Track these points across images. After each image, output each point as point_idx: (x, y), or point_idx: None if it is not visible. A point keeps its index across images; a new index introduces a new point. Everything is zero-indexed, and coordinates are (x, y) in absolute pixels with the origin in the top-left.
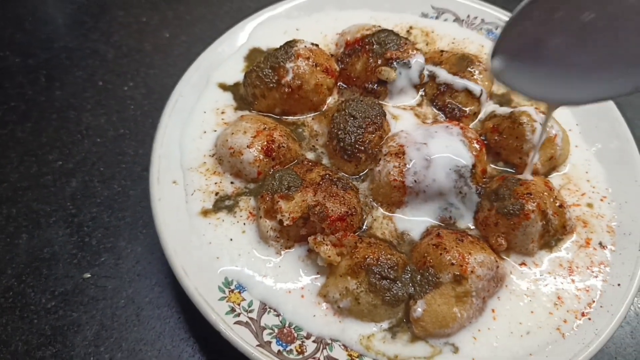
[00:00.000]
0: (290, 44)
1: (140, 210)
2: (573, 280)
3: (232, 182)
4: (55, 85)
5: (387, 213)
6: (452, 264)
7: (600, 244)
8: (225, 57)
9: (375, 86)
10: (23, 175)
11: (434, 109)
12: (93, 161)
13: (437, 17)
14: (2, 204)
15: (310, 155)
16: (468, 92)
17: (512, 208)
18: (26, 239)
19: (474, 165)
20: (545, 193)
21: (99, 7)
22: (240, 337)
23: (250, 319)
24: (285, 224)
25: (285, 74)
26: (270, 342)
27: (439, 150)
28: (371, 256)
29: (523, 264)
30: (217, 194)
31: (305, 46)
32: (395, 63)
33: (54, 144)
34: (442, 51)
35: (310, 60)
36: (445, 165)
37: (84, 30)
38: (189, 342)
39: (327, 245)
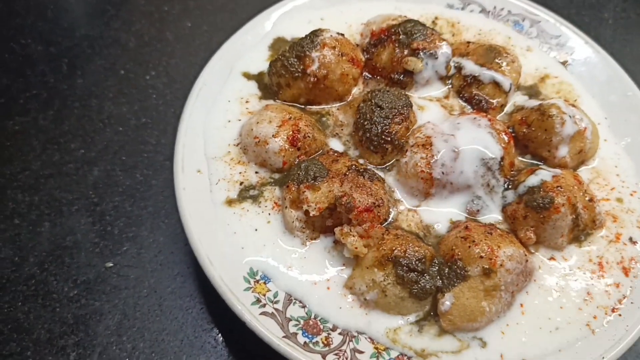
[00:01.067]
0: (316, 33)
1: (162, 200)
2: (603, 276)
3: (256, 172)
4: (77, 73)
5: (411, 205)
6: (481, 257)
7: (630, 239)
8: (249, 46)
9: (401, 77)
10: (45, 164)
11: (461, 101)
12: (115, 150)
13: (462, 9)
14: (25, 191)
15: (334, 143)
16: (495, 83)
17: (542, 201)
18: (48, 227)
19: (502, 158)
20: (575, 187)
21: None
22: (266, 328)
23: (276, 310)
24: (311, 215)
25: (310, 63)
26: (296, 334)
27: (466, 142)
28: (398, 248)
29: (552, 258)
30: (241, 183)
31: (331, 35)
32: (421, 53)
33: (76, 133)
34: (468, 42)
35: (336, 49)
36: (473, 157)
37: (105, 19)
38: (211, 333)
39: (354, 236)
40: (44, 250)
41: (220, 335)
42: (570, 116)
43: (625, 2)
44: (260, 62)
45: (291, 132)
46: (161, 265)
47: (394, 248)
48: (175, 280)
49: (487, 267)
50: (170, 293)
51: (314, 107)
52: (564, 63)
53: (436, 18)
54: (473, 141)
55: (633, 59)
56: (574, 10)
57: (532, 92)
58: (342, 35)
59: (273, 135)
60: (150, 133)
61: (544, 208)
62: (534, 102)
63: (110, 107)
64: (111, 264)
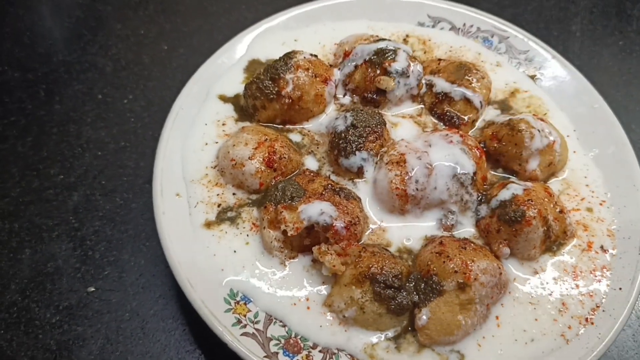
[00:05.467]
0: (290, 55)
1: (142, 223)
2: (577, 285)
3: (234, 194)
4: (54, 99)
5: (387, 222)
6: (456, 271)
7: (601, 247)
8: (225, 69)
9: (374, 95)
10: (25, 190)
11: (433, 118)
12: (94, 174)
13: (433, 26)
14: (5, 219)
15: (310, 161)
16: (466, 100)
17: (513, 215)
18: (29, 253)
19: (474, 173)
20: (545, 199)
21: (97, 21)
22: (247, 349)
23: (257, 330)
24: (289, 234)
25: (285, 85)
26: (277, 353)
27: (439, 158)
28: (375, 265)
29: (527, 269)
30: (219, 205)
31: (305, 57)
32: (393, 72)
33: (55, 158)
34: (439, 60)
35: (310, 71)
36: (446, 173)
37: (82, 44)
38: (194, 354)
39: (331, 254)
40: (25, 277)
41: (203, 356)
42: (539, 130)
43: (592, 14)
44: (236, 85)
45: (267, 154)
46: (143, 288)
47: (370, 265)
48: (158, 302)
49: (461, 281)
50: (153, 315)
51: (291, 127)
52: (532, 77)
53: (407, 36)
54: (446, 157)
55: (600, 70)
56: (542, 25)
57: (503, 106)
58: (315, 56)
59: (249, 158)
60: (129, 156)
61: (516, 221)
62: (504, 117)
63: (88, 131)
64: (93, 289)
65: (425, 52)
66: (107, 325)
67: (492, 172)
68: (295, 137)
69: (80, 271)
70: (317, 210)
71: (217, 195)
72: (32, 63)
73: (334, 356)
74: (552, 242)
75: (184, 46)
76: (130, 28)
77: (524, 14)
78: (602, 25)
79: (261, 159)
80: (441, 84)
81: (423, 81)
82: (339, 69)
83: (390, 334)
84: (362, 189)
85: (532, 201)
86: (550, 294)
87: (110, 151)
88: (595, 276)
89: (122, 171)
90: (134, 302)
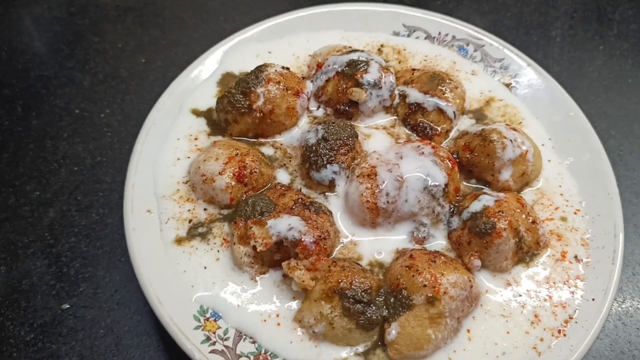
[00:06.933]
0: (261, 68)
1: (118, 239)
2: (550, 297)
3: (205, 209)
4: (31, 114)
5: (358, 236)
6: (425, 285)
7: (575, 257)
8: (198, 82)
9: (347, 107)
10: (0, 207)
11: (406, 129)
12: (70, 190)
13: (408, 35)
14: None
15: (282, 174)
16: (439, 110)
17: (484, 227)
18: (4, 271)
19: (446, 184)
20: (517, 210)
21: (75, 35)
22: None
23: (226, 347)
24: (258, 250)
25: (256, 99)
26: None
27: (410, 170)
28: (344, 280)
29: (500, 281)
30: (190, 221)
31: (276, 70)
32: (365, 84)
33: (31, 174)
34: (413, 70)
35: (281, 84)
36: (417, 186)
37: (59, 59)
38: None
39: (300, 269)
40: (0, 295)
41: None
42: (511, 140)
43: (573, 19)
44: (208, 99)
45: (237, 169)
46: (117, 305)
47: (340, 280)
48: (132, 318)
49: (430, 295)
50: (127, 332)
51: (264, 140)
52: (508, 85)
53: (382, 46)
54: (417, 169)
55: (580, 75)
56: (522, 30)
57: (478, 115)
58: (287, 69)
59: (219, 173)
60: (105, 171)
61: (486, 233)
62: (477, 128)
63: (65, 147)
64: (67, 306)
65: (400, 62)
66: (81, 343)
67: (465, 183)
68: (268, 150)
69: (55, 288)
70: (285, 225)
71: (189, 210)
72: (10, 78)
73: None
74: (525, 253)
75: (162, 59)
76: (108, 41)
77: (503, 20)
78: (582, 30)
79: (232, 174)
80: (414, 95)
81: (396, 92)
82: (312, 81)
83: (360, 349)
84: (334, 202)
85: (503, 212)
86: (523, 306)
87: (86, 166)
88: (569, 287)
89: (98, 186)
90: (109, 319)
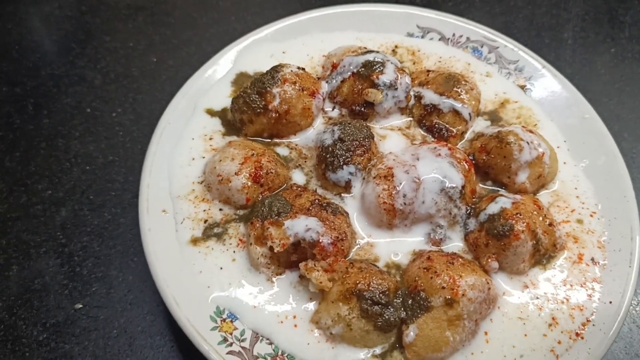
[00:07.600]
0: (277, 68)
1: (131, 238)
2: (567, 299)
3: (220, 209)
4: (43, 113)
5: (375, 237)
6: (443, 287)
7: (592, 259)
8: (212, 82)
9: (362, 108)
10: (12, 206)
11: (422, 130)
12: (82, 189)
13: (422, 37)
14: None
15: (297, 175)
16: (455, 112)
17: (502, 229)
18: (16, 270)
19: (463, 186)
20: (534, 212)
21: (86, 34)
22: None
23: (243, 348)
24: (276, 251)
25: (272, 99)
26: None
27: (427, 171)
28: (362, 281)
29: (517, 283)
30: (206, 221)
31: (292, 70)
32: (381, 85)
33: (43, 173)
34: (428, 71)
35: (297, 84)
36: (434, 187)
37: (70, 57)
38: None
39: (318, 271)
40: (13, 295)
41: None
42: (527, 142)
43: (584, 22)
44: (223, 99)
45: (253, 169)
46: (131, 305)
47: (357, 282)
48: (145, 318)
49: (449, 297)
50: (141, 332)
51: (279, 140)
52: (522, 87)
53: (396, 47)
54: (433, 171)
55: (592, 78)
56: (534, 32)
57: (493, 117)
58: (303, 69)
59: (235, 173)
60: (117, 171)
61: (504, 235)
62: (494, 129)
63: (77, 146)
64: (80, 305)
65: (414, 63)
66: (94, 343)
67: (482, 185)
68: (283, 151)
69: (67, 288)
70: (303, 226)
71: (204, 211)
72: (21, 77)
73: None
74: (542, 255)
75: (173, 58)
76: (119, 40)
77: (515, 22)
78: (594, 32)
79: (248, 175)
80: (430, 96)
81: (411, 93)
82: (327, 81)
83: (377, 350)
84: (350, 203)
85: (520, 215)
86: (540, 309)
87: (98, 166)
88: (586, 289)
89: (110, 186)
90: (122, 319)
